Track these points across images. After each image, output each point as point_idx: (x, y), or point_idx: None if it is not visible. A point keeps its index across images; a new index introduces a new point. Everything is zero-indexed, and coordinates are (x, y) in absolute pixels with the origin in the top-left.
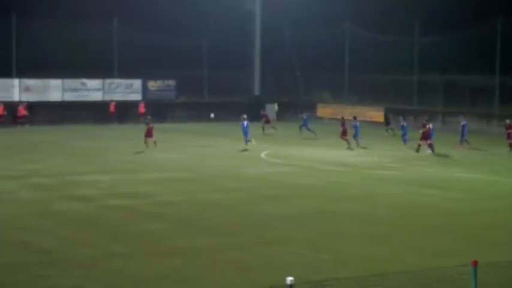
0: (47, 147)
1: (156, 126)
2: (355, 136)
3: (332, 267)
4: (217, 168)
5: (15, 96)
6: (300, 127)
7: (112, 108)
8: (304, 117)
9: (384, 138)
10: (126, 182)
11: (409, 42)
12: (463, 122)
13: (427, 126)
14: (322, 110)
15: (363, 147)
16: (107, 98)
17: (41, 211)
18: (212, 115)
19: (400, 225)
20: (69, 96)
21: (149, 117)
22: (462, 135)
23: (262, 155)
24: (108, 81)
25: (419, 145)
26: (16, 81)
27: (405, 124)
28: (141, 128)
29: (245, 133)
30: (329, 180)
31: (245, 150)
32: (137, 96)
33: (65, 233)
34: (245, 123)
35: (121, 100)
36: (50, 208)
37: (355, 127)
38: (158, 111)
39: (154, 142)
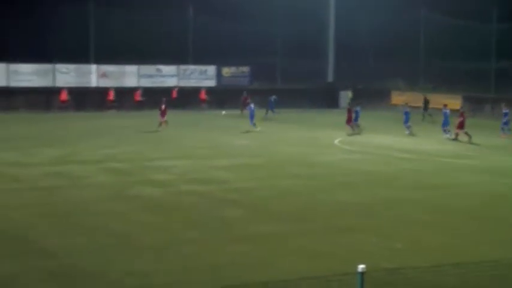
0: (123, 132)
1: (229, 113)
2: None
3: (406, 256)
4: (289, 155)
5: (93, 82)
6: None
7: (175, 94)
8: (357, 109)
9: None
10: (201, 168)
11: (486, 28)
12: (505, 110)
13: (465, 115)
14: (397, 98)
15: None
16: (182, 84)
17: (117, 195)
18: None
19: (477, 216)
20: (145, 82)
21: (164, 99)
22: (505, 123)
23: (336, 141)
24: (182, 67)
25: (457, 134)
26: (94, 67)
27: (448, 112)
28: (204, 115)
29: (251, 116)
30: (402, 167)
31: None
32: (211, 83)
33: (140, 217)
34: (252, 106)
35: (187, 86)
36: (125, 193)
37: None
38: (232, 97)
39: (166, 122)
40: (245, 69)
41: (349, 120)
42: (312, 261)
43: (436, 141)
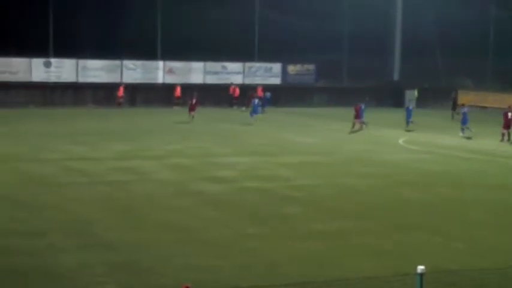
0: (188, 128)
1: (295, 110)
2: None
3: (468, 257)
4: (353, 153)
5: (159, 78)
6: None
7: (236, 92)
8: (363, 107)
9: None
10: (265, 165)
11: None
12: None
13: (509, 114)
14: (463, 97)
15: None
16: (247, 81)
17: (180, 191)
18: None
19: None
20: (210, 79)
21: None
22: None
23: (400, 141)
24: (248, 64)
25: (503, 134)
26: (160, 64)
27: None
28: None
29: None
30: (466, 168)
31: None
32: (277, 80)
33: (203, 213)
34: (256, 101)
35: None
36: (189, 188)
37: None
38: (297, 95)
39: (193, 116)
40: (310, 67)
41: (357, 117)
42: (375, 260)
43: (498, 142)
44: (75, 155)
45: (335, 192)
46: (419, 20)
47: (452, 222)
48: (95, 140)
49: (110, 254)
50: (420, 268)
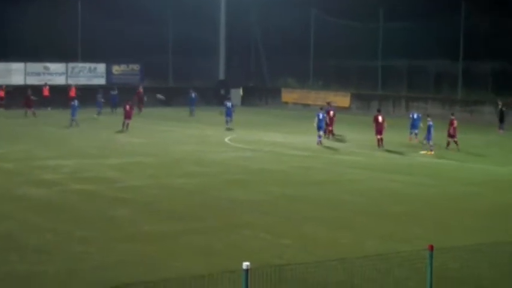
0: (10, 131)
1: (119, 111)
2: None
3: (295, 252)
4: (181, 153)
5: None
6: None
7: (73, 92)
8: (193, 95)
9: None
10: (90, 167)
11: (374, 28)
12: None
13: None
14: (287, 95)
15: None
16: (70, 81)
17: (2, 196)
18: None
19: (365, 211)
20: (32, 80)
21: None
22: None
23: (227, 139)
24: (71, 65)
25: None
26: None
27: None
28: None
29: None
30: (293, 165)
31: None
32: (101, 80)
33: (26, 217)
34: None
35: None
36: (11, 193)
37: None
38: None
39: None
40: (136, 67)
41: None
42: (205, 259)
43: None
44: None
45: (163, 193)
46: (243, 22)
47: (280, 220)
48: None
49: None
50: (245, 264)
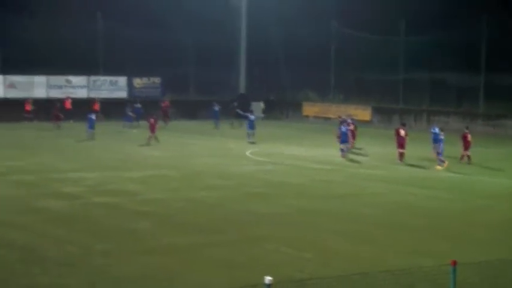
0: (33, 143)
1: (142, 124)
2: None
3: (316, 267)
4: (202, 166)
5: (0, 92)
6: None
7: (97, 106)
8: (216, 108)
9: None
10: (112, 179)
11: (395, 41)
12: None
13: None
14: (308, 109)
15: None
16: (92, 95)
17: (24, 208)
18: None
19: (384, 224)
20: (54, 93)
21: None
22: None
23: (248, 153)
24: (93, 78)
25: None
26: (0, 78)
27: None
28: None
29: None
30: (314, 178)
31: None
32: (123, 94)
33: (48, 230)
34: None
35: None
36: (32, 205)
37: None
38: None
39: (156, 138)
40: (157, 80)
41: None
42: (225, 272)
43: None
44: None
45: (184, 206)
46: (264, 33)
47: (301, 233)
48: None
49: None
50: (268, 279)
